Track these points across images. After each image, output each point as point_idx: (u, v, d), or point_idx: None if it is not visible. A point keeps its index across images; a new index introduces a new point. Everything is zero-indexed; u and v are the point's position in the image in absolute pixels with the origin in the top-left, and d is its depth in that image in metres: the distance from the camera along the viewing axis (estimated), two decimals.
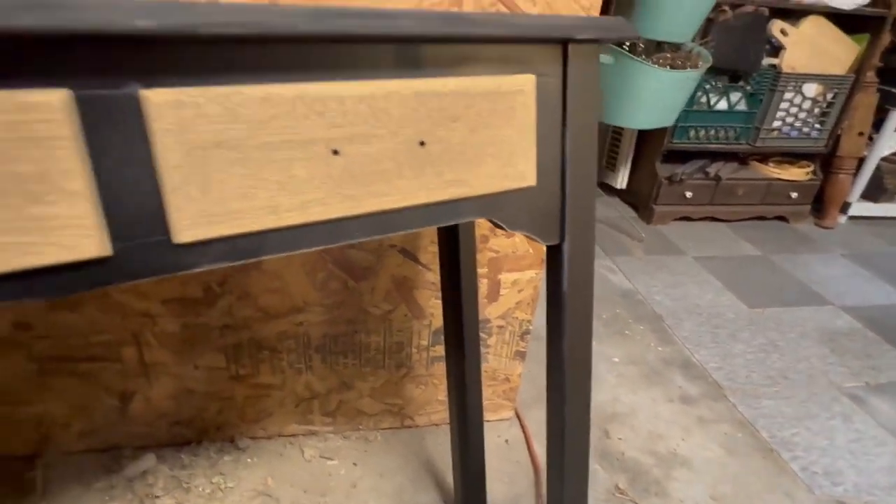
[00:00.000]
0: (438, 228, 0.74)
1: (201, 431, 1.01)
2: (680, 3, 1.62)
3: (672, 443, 1.16)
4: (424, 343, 1.00)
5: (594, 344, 1.47)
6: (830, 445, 1.21)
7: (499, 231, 0.90)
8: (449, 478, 1.02)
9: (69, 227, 0.30)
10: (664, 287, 1.79)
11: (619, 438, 1.16)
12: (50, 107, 0.28)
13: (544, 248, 0.94)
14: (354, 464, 1.03)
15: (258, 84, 0.33)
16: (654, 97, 1.69)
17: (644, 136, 2.28)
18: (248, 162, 0.34)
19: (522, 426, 1.14)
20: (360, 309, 0.93)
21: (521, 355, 1.06)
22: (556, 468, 0.59)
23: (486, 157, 0.43)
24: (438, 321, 0.98)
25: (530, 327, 1.03)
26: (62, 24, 0.27)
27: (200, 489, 0.94)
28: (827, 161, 2.33)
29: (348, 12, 0.35)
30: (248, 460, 1.01)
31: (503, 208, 0.46)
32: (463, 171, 0.42)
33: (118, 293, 0.83)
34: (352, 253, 0.87)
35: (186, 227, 0.33)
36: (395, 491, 0.99)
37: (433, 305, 0.96)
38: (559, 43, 0.44)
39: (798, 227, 2.38)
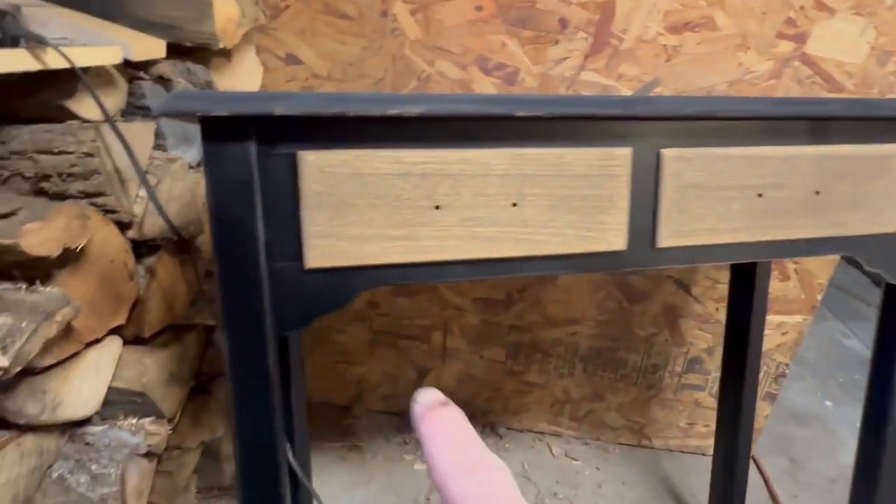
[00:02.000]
0: (734, 268, 0.85)
1: (470, 414, 1.21)
2: None
3: None
4: (678, 370, 1.10)
5: (831, 405, 1.42)
6: None
7: (773, 274, 0.98)
8: (688, 500, 1.08)
9: (613, 230, 0.48)
10: None
11: None
12: (622, 157, 0.47)
13: (818, 297, 0.99)
14: (597, 468, 1.15)
15: (722, 147, 0.49)
16: None
17: None
18: (706, 199, 0.50)
19: (759, 467, 1.16)
20: (627, 328, 1.07)
21: (771, 397, 1.10)
22: (868, 472, 0.65)
23: (861, 206, 0.54)
24: (696, 351, 1.07)
25: (786, 370, 1.07)
26: (639, 112, 0.45)
27: None
28: None
29: (802, 101, 0.50)
30: (506, 446, 1.19)
31: (865, 248, 0.56)
32: (843, 216, 0.54)
33: (444, 288, 1.08)
34: (632, 278, 1.02)
35: (664, 238, 0.50)
36: (637, 500, 1.08)
37: (694, 335, 1.06)
38: None
39: None
